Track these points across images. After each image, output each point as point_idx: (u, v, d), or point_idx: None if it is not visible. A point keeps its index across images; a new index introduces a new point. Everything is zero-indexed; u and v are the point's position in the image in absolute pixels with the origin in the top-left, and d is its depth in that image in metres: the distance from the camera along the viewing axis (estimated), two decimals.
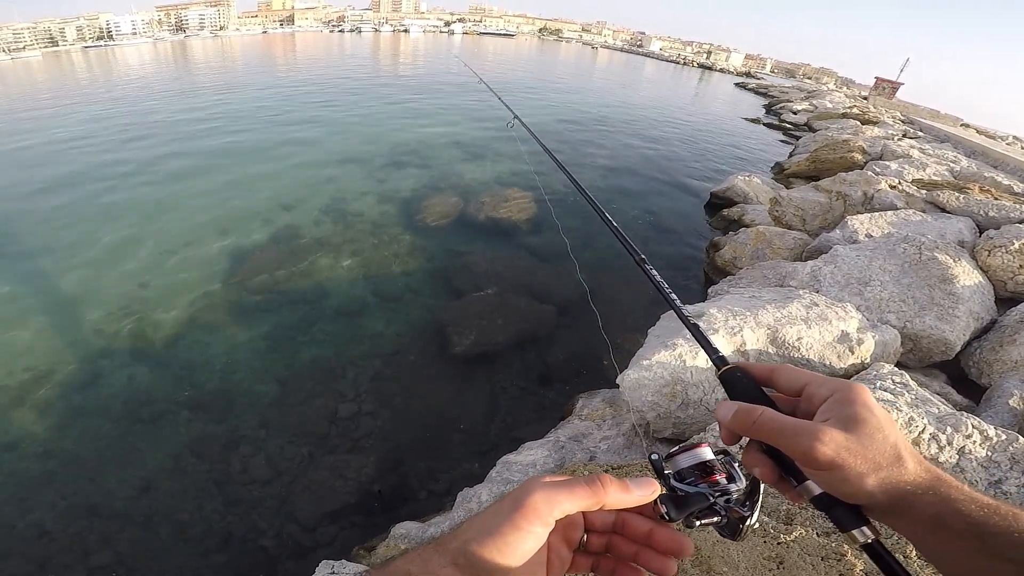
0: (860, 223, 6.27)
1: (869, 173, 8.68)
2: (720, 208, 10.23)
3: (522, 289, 7.11)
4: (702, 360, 3.62)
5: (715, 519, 0.58)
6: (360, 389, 5.33)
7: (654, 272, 0.88)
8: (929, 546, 0.49)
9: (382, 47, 66.21)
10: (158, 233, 8.50)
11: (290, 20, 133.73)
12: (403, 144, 14.55)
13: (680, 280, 7.82)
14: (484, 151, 14.29)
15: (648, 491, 0.53)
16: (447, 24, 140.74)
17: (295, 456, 4.52)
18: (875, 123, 20.33)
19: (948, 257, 4.63)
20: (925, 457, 0.53)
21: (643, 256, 0.95)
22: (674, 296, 0.81)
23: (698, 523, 0.58)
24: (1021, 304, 4.58)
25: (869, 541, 0.50)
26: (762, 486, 0.59)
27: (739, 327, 3.81)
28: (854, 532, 0.51)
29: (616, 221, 1.16)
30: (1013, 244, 4.99)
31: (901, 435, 0.52)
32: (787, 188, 10.72)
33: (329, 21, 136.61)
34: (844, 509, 0.51)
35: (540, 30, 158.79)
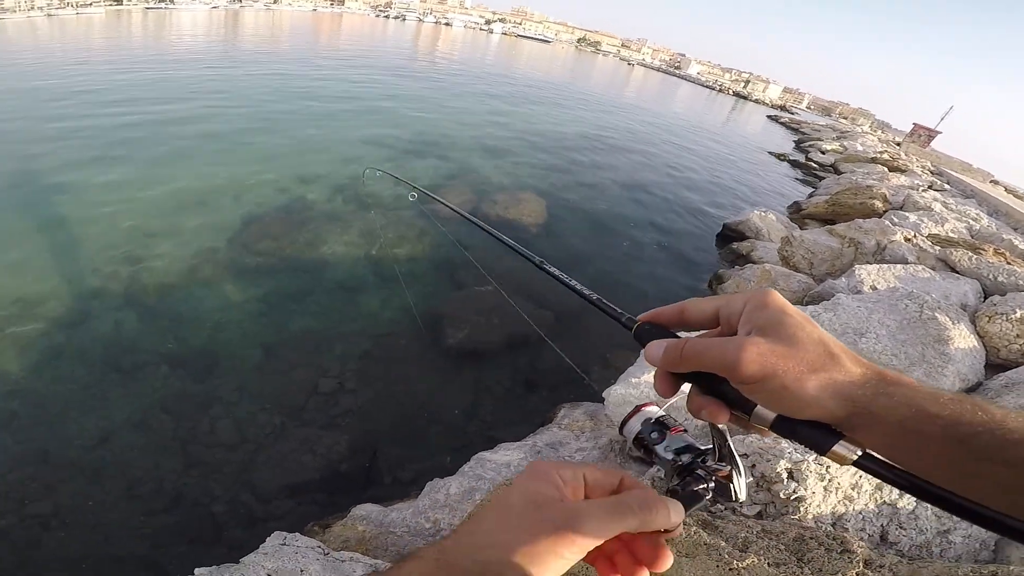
0: (868, 273, 6.22)
1: (886, 223, 8.61)
2: (731, 240, 10.19)
3: (522, 292, 7.09)
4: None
5: (701, 486, 0.56)
6: (345, 366, 5.30)
7: (553, 269, 0.86)
8: (906, 457, 0.44)
9: (424, 36, 66.53)
10: (174, 185, 8.57)
11: (340, 1, 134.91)
12: (427, 133, 14.62)
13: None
14: (505, 152, 14.33)
15: (681, 516, 0.49)
16: (488, 22, 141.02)
17: (266, 425, 4.48)
18: (903, 171, 20.13)
19: (947, 319, 4.61)
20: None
21: (541, 259, 0.93)
22: (574, 282, 0.80)
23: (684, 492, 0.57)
24: (1010, 371, 4.56)
25: (857, 456, 0.45)
26: (730, 439, 0.57)
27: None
28: (836, 449, 0.45)
29: (512, 236, 1.16)
30: (1015, 313, 4.96)
31: (827, 333, 0.49)
32: (801, 228, 10.65)
33: (377, 6, 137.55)
34: (809, 428, 0.47)
35: (579, 40, 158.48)
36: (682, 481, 0.58)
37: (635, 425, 0.63)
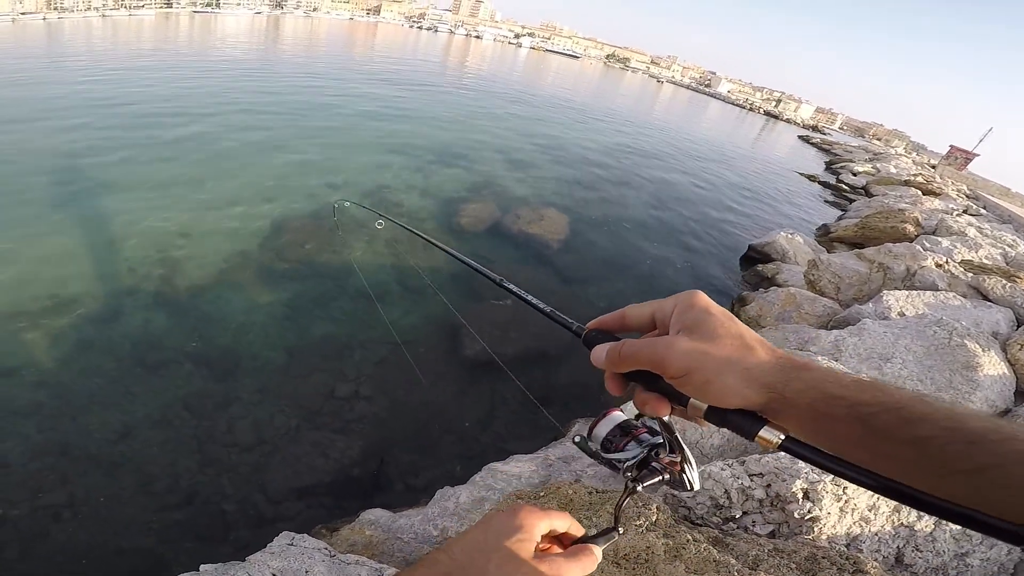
0: (896, 300, 6.07)
1: (918, 248, 8.38)
2: (756, 262, 10.03)
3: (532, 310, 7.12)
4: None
5: (657, 479, 0.62)
6: (362, 372, 5.39)
7: (512, 286, 0.91)
8: (821, 438, 0.47)
9: (454, 49, 67.75)
10: (209, 187, 8.91)
11: (376, 10, 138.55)
12: (453, 145, 14.86)
13: None
14: (529, 166, 14.45)
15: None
16: (516, 36, 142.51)
17: (282, 427, 4.56)
18: (937, 195, 19.58)
19: (977, 346, 4.50)
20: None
21: (501, 277, 0.98)
22: (530, 297, 0.83)
23: (641, 487, 0.62)
24: None
25: (781, 439, 0.48)
26: (677, 431, 0.61)
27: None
28: (762, 435, 0.48)
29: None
30: None
31: (745, 327, 0.53)
32: (829, 252, 10.44)
33: (410, 16, 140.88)
34: (737, 415, 0.50)
35: (607, 56, 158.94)
36: (639, 474, 0.63)
37: (603, 429, 0.68)
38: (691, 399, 0.52)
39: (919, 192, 18.96)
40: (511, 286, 0.93)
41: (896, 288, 7.07)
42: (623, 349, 0.57)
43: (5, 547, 3.42)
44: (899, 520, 2.67)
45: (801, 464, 2.80)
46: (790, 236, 10.29)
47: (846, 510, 2.63)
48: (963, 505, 0.39)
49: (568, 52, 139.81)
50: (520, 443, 4.66)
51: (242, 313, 5.96)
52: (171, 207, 8.05)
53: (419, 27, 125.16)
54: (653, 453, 0.63)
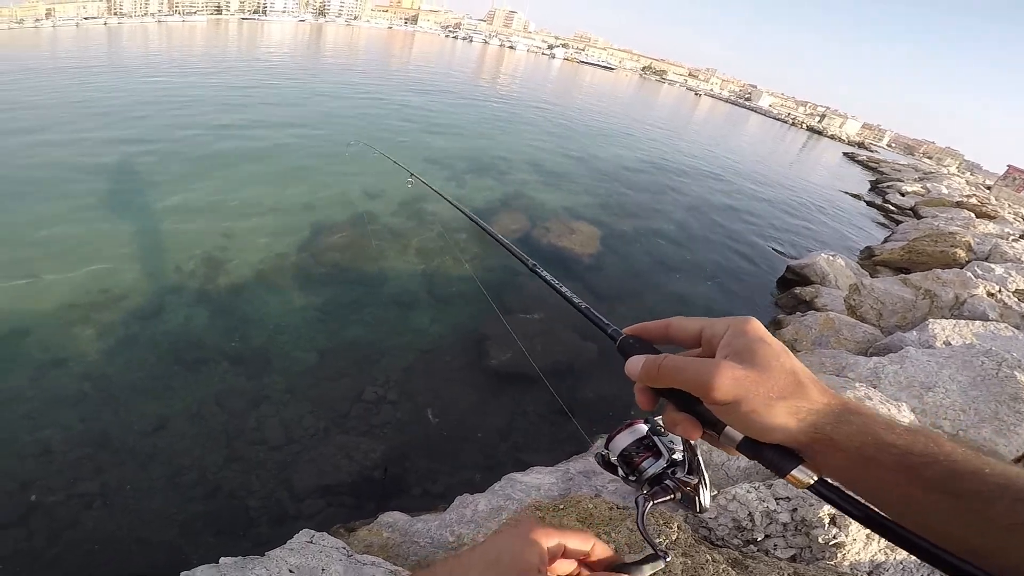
0: (942, 328, 5.80)
1: (968, 274, 8.01)
2: (793, 284, 9.70)
3: (568, 321, 7.09)
4: None
5: (668, 497, 0.61)
6: (390, 378, 5.49)
7: (545, 273, 0.89)
8: (861, 484, 0.47)
9: (488, 59, 68.64)
10: (252, 192, 9.27)
11: (414, 19, 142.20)
12: (486, 154, 15.04)
13: None
14: (561, 178, 14.46)
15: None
16: (550, 47, 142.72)
17: (310, 427, 4.70)
18: (992, 217, 18.55)
19: None
20: None
21: (534, 262, 0.95)
22: (565, 289, 0.82)
23: (651, 504, 0.62)
24: None
25: (813, 480, 0.47)
26: (699, 455, 0.60)
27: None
28: (794, 473, 0.48)
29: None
30: None
31: (799, 363, 0.50)
32: (872, 276, 10.04)
33: (447, 26, 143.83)
34: (774, 451, 0.49)
35: (643, 68, 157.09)
36: (651, 490, 0.62)
37: (623, 440, 0.67)
38: (727, 427, 0.51)
39: (972, 214, 17.95)
40: (544, 273, 0.90)
41: (943, 316, 6.77)
42: (664, 363, 0.54)
43: (36, 533, 3.57)
44: None
45: None
46: (831, 258, 9.93)
47: (873, 537, 2.59)
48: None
49: (603, 63, 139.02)
50: (540, 455, 4.65)
51: (278, 315, 6.17)
52: (216, 208, 8.43)
53: (455, 37, 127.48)
54: (670, 471, 0.63)
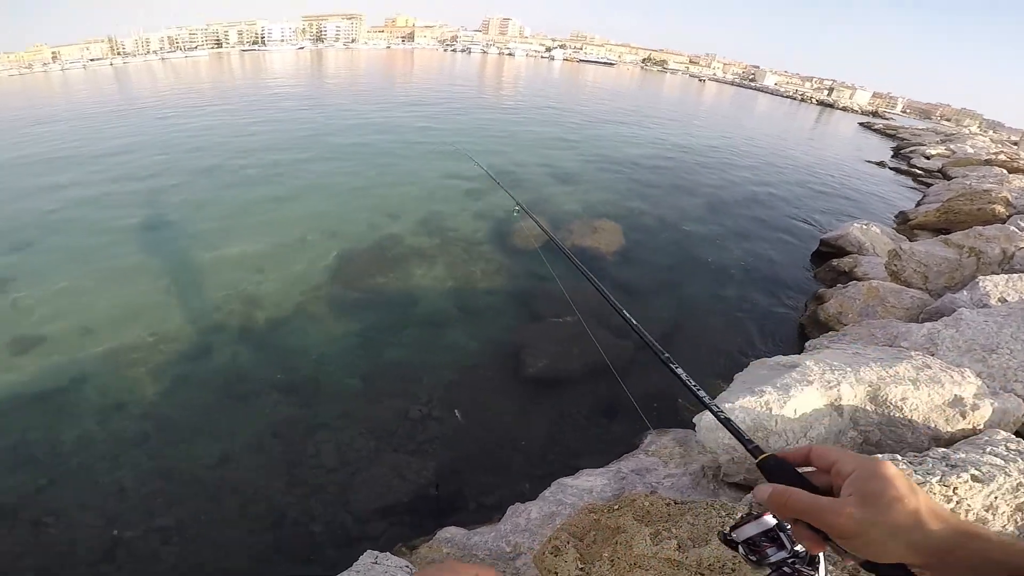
0: (994, 285, 5.55)
1: (1012, 228, 7.70)
2: (829, 257, 9.47)
3: (602, 320, 7.04)
4: (791, 410, 3.51)
5: None
6: (433, 395, 5.56)
7: (680, 371, 0.99)
8: None
9: (489, 68, 69.16)
10: (280, 226, 9.50)
11: (411, 37, 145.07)
12: (498, 164, 15.09)
13: (769, 332, 7.35)
14: (577, 178, 14.45)
15: None
16: (548, 50, 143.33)
17: (362, 449, 4.80)
18: None
19: None
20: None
21: (668, 355, 1.06)
22: (702, 393, 0.89)
23: None
24: None
25: None
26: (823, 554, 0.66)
27: (836, 381, 3.61)
28: None
29: (590, 266, 1.28)
30: None
31: (925, 499, 0.56)
32: (910, 240, 9.72)
33: (444, 40, 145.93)
34: (888, 568, 0.55)
35: (644, 60, 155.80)
36: (771, 574, 0.69)
37: (749, 530, 0.72)
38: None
39: (1004, 171, 17.39)
40: (680, 371, 1.01)
41: (993, 273, 6.49)
42: (788, 501, 0.62)
43: (122, 567, 3.75)
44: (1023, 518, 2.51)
45: (903, 464, 2.69)
46: (864, 227, 9.66)
47: (958, 511, 2.48)
48: None
49: (603, 60, 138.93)
50: (590, 457, 4.61)
51: (320, 344, 6.32)
52: (246, 247, 8.66)
53: (453, 50, 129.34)
54: (791, 561, 0.68)
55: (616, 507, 2.89)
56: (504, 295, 7.74)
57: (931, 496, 2.22)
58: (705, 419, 3.76)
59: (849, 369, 3.71)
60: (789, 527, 0.70)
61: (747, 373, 4.34)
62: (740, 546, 0.73)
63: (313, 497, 4.32)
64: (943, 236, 8.55)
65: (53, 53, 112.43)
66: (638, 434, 4.84)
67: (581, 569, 2.46)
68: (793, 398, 3.54)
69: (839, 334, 5.93)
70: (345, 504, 4.26)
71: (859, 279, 7.63)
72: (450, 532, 3.56)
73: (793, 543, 0.69)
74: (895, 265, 7.75)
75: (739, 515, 0.79)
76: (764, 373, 4.12)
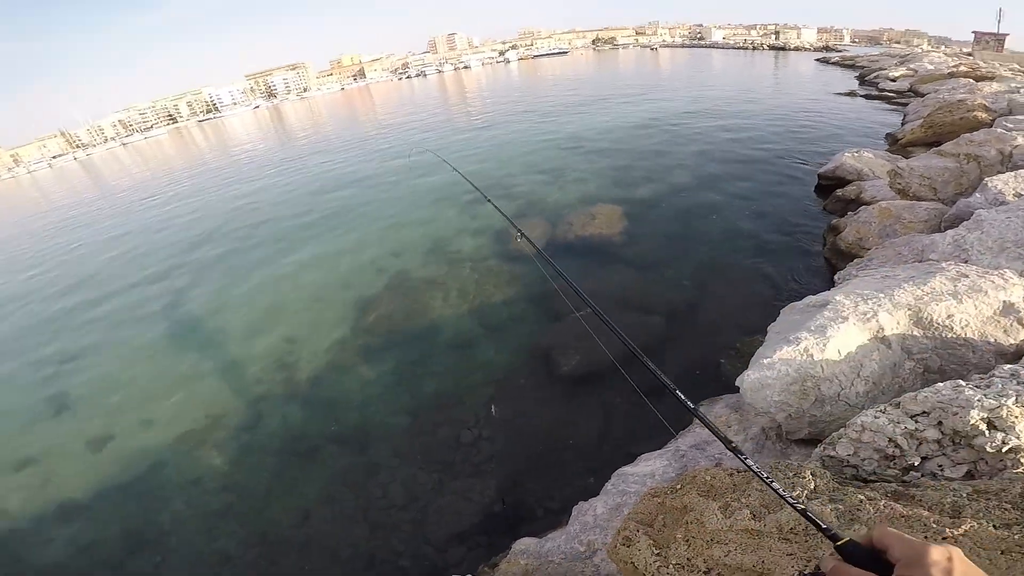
0: (1004, 183, 5.53)
1: (999, 131, 7.70)
2: (831, 189, 9.45)
3: (624, 304, 7.04)
4: (833, 352, 3.34)
5: None
6: (478, 416, 5.61)
7: (751, 461, 1.04)
8: None
9: (449, 86, 69.43)
10: (295, 296, 9.55)
11: (361, 74, 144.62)
12: (487, 179, 15.10)
13: (795, 274, 7.30)
14: (563, 170, 14.51)
15: None
16: (501, 53, 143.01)
17: (426, 482, 4.88)
18: (991, 78, 18.09)
19: None
20: None
21: (745, 455, 1.12)
22: (776, 486, 0.97)
23: None
24: None
25: None
26: None
27: (872, 311, 3.46)
28: None
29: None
30: None
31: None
32: (905, 159, 9.71)
33: (396, 69, 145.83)
34: None
35: (593, 41, 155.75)
36: None
37: None
38: None
39: (971, 80, 17.67)
40: (751, 462, 1.05)
41: (998, 173, 6.45)
42: None
43: None
44: None
45: (969, 390, 2.51)
46: (857, 154, 9.66)
47: None
48: None
49: (555, 51, 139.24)
50: (645, 442, 4.58)
51: (360, 391, 6.41)
52: (270, 316, 8.78)
53: (408, 76, 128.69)
54: None
55: (678, 487, 2.82)
56: (521, 302, 7.76)
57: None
58: (749, 378, 3.60)
59: (882, 295, 3.58)
60: None
61: (779, 322, 4.19)
62: None
63: (393, 536, 4.42)
64: (935, 149, 8.55)
65: (13, 156, 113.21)
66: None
67: (657, 554, 2.40)
68: (832, 339, 3.36)
69: (865, 260, 5.82)
70: (424, 537, 4.35)
71: (867, 203, 7.60)
72: (524, 544, 3.58)
73: None
74: (899, 183, 7.73)
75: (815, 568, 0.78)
76: (796, 318, 3.99)
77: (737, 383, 3.65)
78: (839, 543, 0.74)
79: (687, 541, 2.38)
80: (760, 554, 2.14)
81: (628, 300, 7.13)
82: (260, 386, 6.90)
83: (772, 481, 0.98)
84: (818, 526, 0.84)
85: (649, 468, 3.79)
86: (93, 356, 8.79)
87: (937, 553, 0.60)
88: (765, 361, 3.48)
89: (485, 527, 4.34)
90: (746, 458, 1.08)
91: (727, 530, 2.31)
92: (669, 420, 4.77)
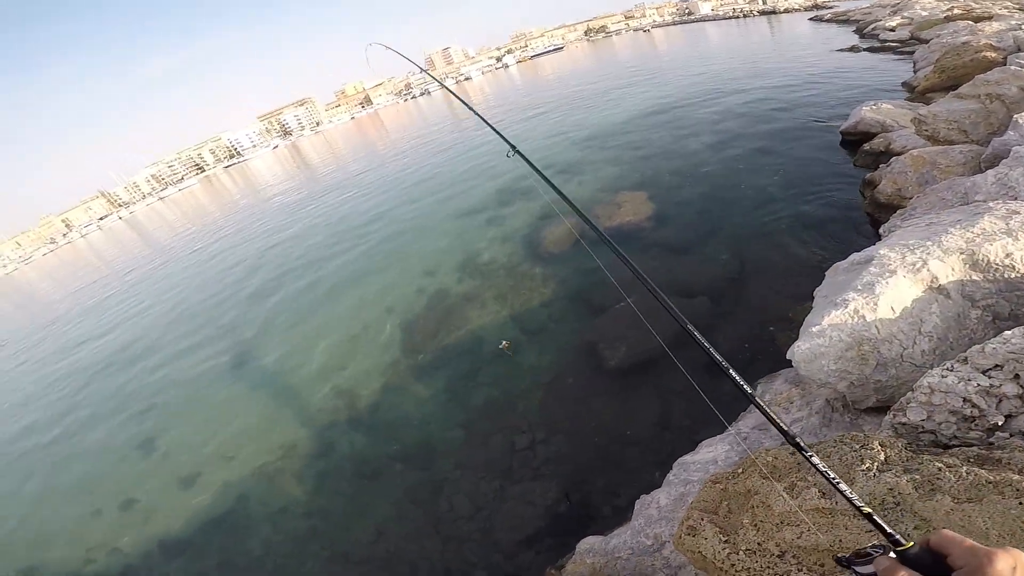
0: None
1: (1013, 68, 7.57)
2: (857, 145, 9.17)
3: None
4: (886, 310, 3.14)
5: None
6: (531, 420, 5.67)
7: (712, 352, 0.96)
8: None
9: (454, 100, 69.39)
10: (343, 321, 9.85)
11: (367, 100, 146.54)
12: (501, 180, 15.29)
13: (836, 233, 7.06)
14: (582, 164, 14.45)
15: None
16: (499, 60, 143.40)
17: (488, 490, 4.99)
18: (989, 18, 17.54)
19: None
20: None
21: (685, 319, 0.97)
22: (844, 488, 0.93)
23: None
24: None
25: None
26: None
27: (921, 261, 3.26)
28: None
29: (624, 242, 1.22)
30: None
31: None
32: (926, 105, 9.44)
33: (399, 91, 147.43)
34: None
35: (586, 32, 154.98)
36: None
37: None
38: None
39: (971, 23, 17.17)
40: (819, 463, 0.99)
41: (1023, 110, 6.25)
42: None
43: None
44: None
45: None
46: (876, 106, 9.42)
47: None
48: None
49: (551, 48, 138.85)
50: (707, 428, 4.48)
51: (416, 409, 6.58)
52: (322, 347, 9.04)
53: (412, 97, 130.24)
54: None
55: (740, 471, 2.72)
56: (559, 301, 7.78)
57: None
58: (800, 349, 3.41)
59: (929, 243, 3.38)
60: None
61: (825, 285, 4.02)
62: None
63: (465, 546, 4.53)
64: (953, 92, 8.32)
65: (64, 221, 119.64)
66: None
67: (725, 541, 2.33)
68: (882, 295, 3.16)
69: (908, 209, 5.62)
70: (493, 545, 4.44)
71: (898, 153, 7.39)
72: (589, 542, 3.58)
73: None
74: (925, 130, 7.54)
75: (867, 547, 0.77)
76: (842, 279, 3.81)
77: (788, 356, 3.49)
78: (900, 548, 0.72)
79: (755, 526, 2.30)
80: (836, 533, 2.05)
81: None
82: (323, 415, 7.17)
83: (839, 483, 0.95)
84: (883, 531, 0.82)
85: (711, 454, 3.68)
86: (173, 404, 9.29)
87: (1002, 561, 0.56)
88: (815, 329, 3.32)
89: (550, 530, 4.39)
90: (811, 456, 1.04)
91: (796, 511, 2.22)
92: (729, 402, 4.76)
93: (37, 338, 19.14)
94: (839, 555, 0.78)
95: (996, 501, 1.78)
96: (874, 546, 0.76)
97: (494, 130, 3.72)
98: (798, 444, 1.04)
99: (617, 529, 3.61)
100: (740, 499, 2.54)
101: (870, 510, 0.83)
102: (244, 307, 12.78)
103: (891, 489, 2.03)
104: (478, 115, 4.02)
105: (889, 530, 0.78)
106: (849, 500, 0.87)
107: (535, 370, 6.46)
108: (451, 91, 4.84)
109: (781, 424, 0.95)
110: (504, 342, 6.80)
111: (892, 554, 0.72)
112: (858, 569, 0.75)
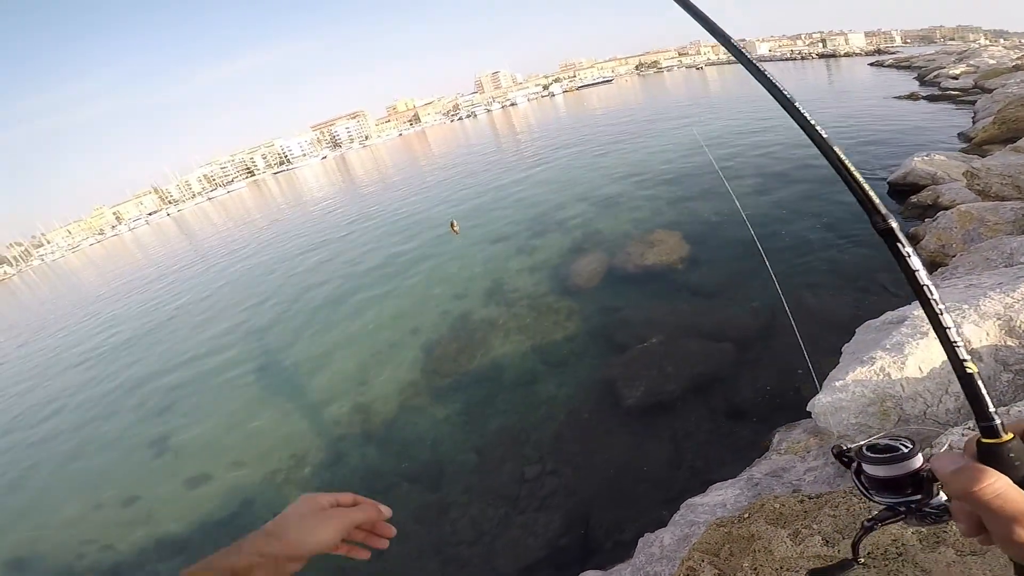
0: None
1: None
2: (906, 196, 8.95)
3: (690, 332, 6.91)
4: (914, 370, 3.20)
5: (898, 518, 0.66)
6: (543, 451, 5.67)
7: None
8: None
9: (499, 126, 71.05)
10: (368, 336, 10.07)
11: (416, 118, 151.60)
12: (537, 210, 15.45)
13: (877, 288, 6.87)
14: (619, 199, 14.47)
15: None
16: (546, 88, 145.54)
17: (493, 517, 4.98)
18: None
19: None
20: None
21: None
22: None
23: (879, 525, 0.69)
24: None
25: None
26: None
27: (956, 324, 3.26)
28: None
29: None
30: None
31: None
32: (981, 158, 9.09)
33: (447, 112, 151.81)
34: None
35: (636, 66, 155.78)
36: (884, 517, 0.70)
37: (889, 471, 0.67)
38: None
39: None
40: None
41: None
42: (980, 492, 0.48)
43: None
44: None
45: None
46: (928, 157, 9.14)
47: None
48: None
49: (600, 80, 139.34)
50: (719, 470, 4.46)
51: (430, 430, 6.65)
52: (343, 364, 9.24)
53: (459, 118, 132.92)
54: (910, 507, 0.64)
55: (746, 516, 2.77)
56: (582, 336, 7.79)
57: None
58: (820, 403, 3.50)
59: (967, 306, 3.42)
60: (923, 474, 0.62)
61: (855, 341, 4.08)
62: (859, 476, 0.67)
63: (464, 570, 4.53)
64: (1012, 145, 7.99)
65: (115, 213, 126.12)
66: (765, 434, 4.64)
67: None
68: (911, 356, 3.24)
69: (950, 268, 5.50)
70: (492, 571, 4.43)
71: (946, 207, 7.15)
72: None
73: (919, 492, 0.61)
74: (977, 184, 7.25)
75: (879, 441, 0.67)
76: (872, 337, 3.87)
77: (809, 408, 3.53)
78: (991, 440, 0.52)
79: (754, 569, 2.34)
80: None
81: (696, 328, 6.98)
82: (338, 428, 7.32)
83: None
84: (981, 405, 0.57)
85: (720, 498, 3.65)
86: (190, 405, 9.61)
87: None
88: (838, 383, 3.38)
89: (552, 560, 4.37)
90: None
91: (797, 557, 2.26)
92: (743, 449, 4.68)
93: (54, 330, 20.55)
94: (839, 447, 0.69)
95: (998, 555, 1.85)
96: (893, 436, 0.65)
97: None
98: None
99: (618, 565, 3.59)
100: (743, 543, 2.58)
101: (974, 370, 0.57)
102: (272, 314, 13.22)
103: (895, 540, 2.08)
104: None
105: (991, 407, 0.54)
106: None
107: (551, 402, 6.47)
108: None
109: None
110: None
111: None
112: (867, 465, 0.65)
